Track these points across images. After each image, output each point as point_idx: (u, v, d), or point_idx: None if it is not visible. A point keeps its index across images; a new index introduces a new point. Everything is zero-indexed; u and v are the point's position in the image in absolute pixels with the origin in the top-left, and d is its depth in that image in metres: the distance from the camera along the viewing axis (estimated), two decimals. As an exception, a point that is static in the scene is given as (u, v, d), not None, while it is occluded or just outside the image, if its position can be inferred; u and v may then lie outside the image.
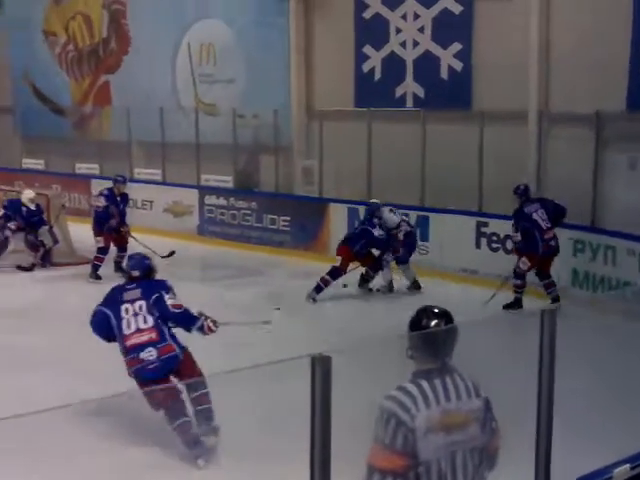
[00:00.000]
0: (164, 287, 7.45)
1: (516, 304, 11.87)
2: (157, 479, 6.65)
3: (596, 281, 12.22)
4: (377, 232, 12.87)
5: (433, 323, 3.70)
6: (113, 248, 14.66)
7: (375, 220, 13.06)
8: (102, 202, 14.58)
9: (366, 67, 16.04)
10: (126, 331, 7.17)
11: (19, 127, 23.14)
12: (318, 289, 12.73)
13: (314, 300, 12.72)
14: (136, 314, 7.21)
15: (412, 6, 15.34)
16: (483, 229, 13.56)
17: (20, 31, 23.12)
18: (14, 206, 14.98)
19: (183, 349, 7.22)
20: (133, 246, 13.93)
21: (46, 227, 14.99)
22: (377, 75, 15.93)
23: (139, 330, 7.15)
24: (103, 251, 14.47)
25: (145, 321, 7.19)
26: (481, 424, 3.64)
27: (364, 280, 13.32)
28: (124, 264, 8.45)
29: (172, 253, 14.89)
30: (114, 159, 19.93)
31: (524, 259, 11.92)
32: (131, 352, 7.13)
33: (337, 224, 15.50)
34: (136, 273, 7.58)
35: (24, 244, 15.16)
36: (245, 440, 6.95)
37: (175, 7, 19.43)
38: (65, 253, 15.69)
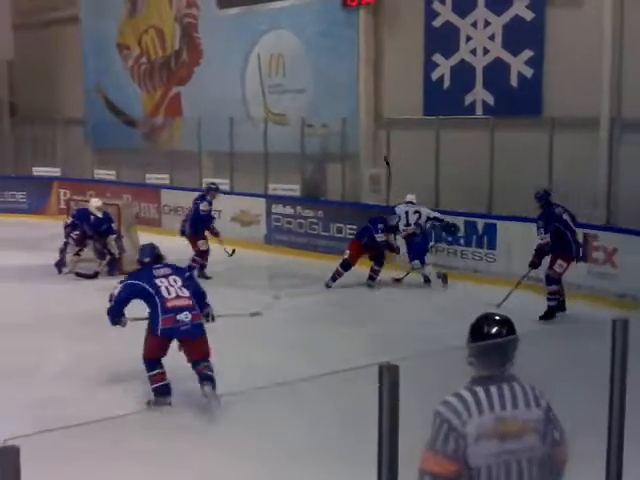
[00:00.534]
0: (191, 272, 9.05)
1: (551, 314, 11.49)
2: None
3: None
4: (379, 228, 14.06)
5: (494, 330, 3.65)
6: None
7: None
8: (207, 207, 15.02)
9: (435, 75, 15.97)
10: (167, 295, 8.08)
11: (91, 138, 23.56)
12: (333, 278, 14.12)
13: (328, 286, 14.10)
14: (171, 285, 8.17)
15: (483, 13, 15.24)
16: (552, 237, 13.29)
17: (93, 44, 23.58)
18: (82, 215, 15.15)
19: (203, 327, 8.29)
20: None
21: (114, 236, 15.06)
22: (446, 83, 15.84)
23: (178, 296, 8.13)
24: (205, 253, 14.93)
25: (182, 290, 8.19)
26: (541, 435, 3.55)
27: (371, 277, 14.28)
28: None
29: (233, 251, 15.26)
30: (184, 169, 20.21)
31: (560, 262, 11.56)
32: (170, 312, 8.04)
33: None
34: (147, 259, 8.53)
35: (93, 252, 15.31)
36: (314, 443, 6.83)
37: (246, 19, 19.65)
38: (134, 261, 15.75)
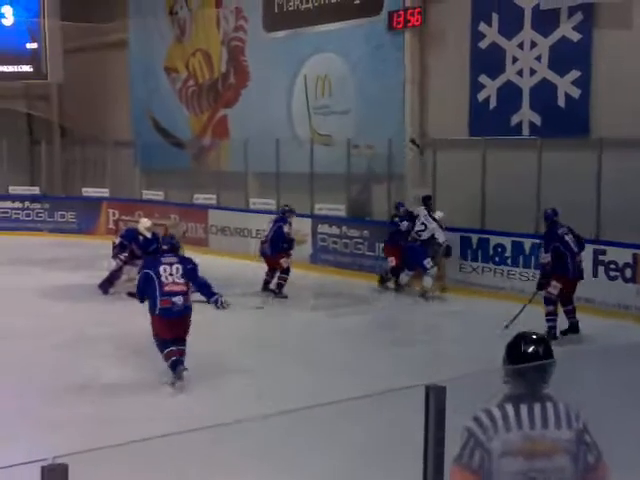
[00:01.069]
0: (195, 264, 10.06)
1: (551, 335, 11.14)
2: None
3: None
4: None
5: (530, 349, 3.69)
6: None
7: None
8: (289, 229, 15.37)
9: (481, 96, 16.00)
10: (165, 280, 9.56)
11: (139, 160, 23.85)
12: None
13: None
14: (172, 273, 9.63)
15: (529, 35, 15.26)
16: (601, 257, 13.23)
17: (141, 68, 23.94)
18: (130, 235, 15.24)
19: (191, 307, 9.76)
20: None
21: None
22: (492, 104, 15.86)
23: (175, 282, 9.60)
24: (287, 271, 15.23)
25: (179, 278, 9.63)
26: (572, 456, 3.55)
27: (383, 280, 15.59)
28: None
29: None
30: (230, 189, 20.39)
31: (554, 282, 11.56)
32: (166, 295, 9.52)
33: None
34: (165, 247, 10.25)
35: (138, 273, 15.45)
36: (358, 461, 6.86)
37: (292, 42, 19.85)
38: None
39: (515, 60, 15.52)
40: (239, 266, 18.45)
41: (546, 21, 14.93)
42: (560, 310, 11.69)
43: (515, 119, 15.46)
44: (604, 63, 14.21)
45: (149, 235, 15.07)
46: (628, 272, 12.78)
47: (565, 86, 14.71)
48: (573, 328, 11.54)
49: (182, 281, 9.65)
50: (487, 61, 15.92)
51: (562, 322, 11.71)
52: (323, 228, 17.99)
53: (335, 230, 17.72)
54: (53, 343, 11.71)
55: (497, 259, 14.75)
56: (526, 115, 15.30)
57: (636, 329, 11.80)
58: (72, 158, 25.47)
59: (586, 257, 12.38)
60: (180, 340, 9.61)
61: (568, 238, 11.55)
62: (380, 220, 17.31)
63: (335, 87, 18.92)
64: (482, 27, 15.94)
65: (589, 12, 14.29)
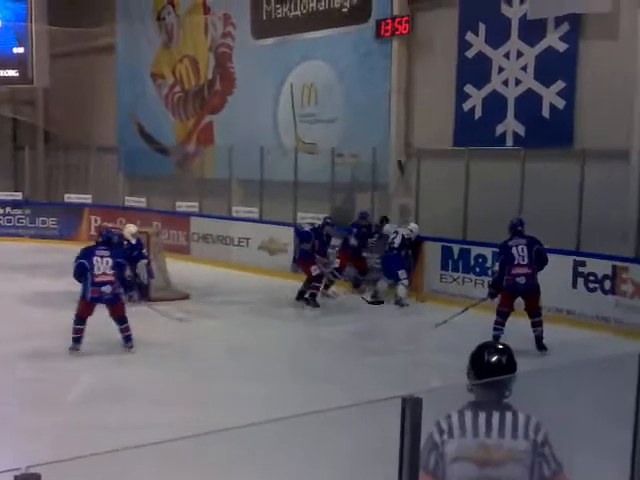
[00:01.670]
0: (125, 259, 11.86)
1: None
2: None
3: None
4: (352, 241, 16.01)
5: (494, 359, 3.73)
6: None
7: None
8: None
9: (467, 106, 15.91)
10: (96, 272, 10.97)
11: (123, 166, 23.73)
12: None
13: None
14: (103, 265, 11.01)
15: (515, 44, 15.19)
16: (580, 268, 13.13)
17: (128, 73, 23.87)
18: None
19: (121, 295, 11.28)
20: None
21: (145, 261, 14.98)
22: (477, 114, 15.78)
23: (105, 273, 11.01)
24: (318, 279, 15.25)
25: (109, 269, 11.03)
26: (526, 467, 3.55)
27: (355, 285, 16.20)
28: None
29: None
30: (214, 197, 20.28)
31: (491, 291, 11.92)
32: (97, 285, 10.98)
33: (431, 262, 15.29)
34: (100, 239, 11.73)
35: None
36: (342, 468, 6.77)
37: (279, 49, 19.80)
38: (162, 288, 15.73)
39: (501, 70, 15.43)
40: (220, 274, 18.41)
41: (533, 31, 14.85)
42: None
43: (500, 129, 15.37)
44: (589, 74, 14.13)
45: (134, 241, 14.96)
46: (607, 284, 12.69)
47: (550, 97, 14.62)
48: (537, 342, 11.39)
49: (111, 272, 11.06)
50: (473, 71, 15.84)
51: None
52: (306, 237, 17.80)
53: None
54: (33, 349, 11.57)
55: (478, 270, 14.65)
56: (510, 125, 15.21)
57: (615, 341, 11.69)
58: (55, 164, 25.40)
59: (565, 268, 12.30)
60: (118, 320, 11.27)
61: (515, 250, 11.43)
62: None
63: (321, 95, 18.84)
64: (469, 36, 15.87)
65: (576, 23, 14.22)
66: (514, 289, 11.47)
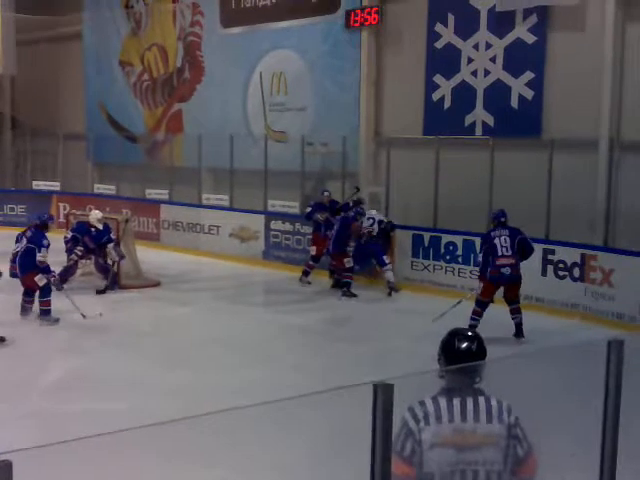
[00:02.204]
0: (40, 244, 12.22)
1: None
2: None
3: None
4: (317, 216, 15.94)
5: (464, 345, 3.80)
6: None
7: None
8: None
9: (436, 96, 16.07)
10: (14, 250, 12.43)
11: (92, 153, 23.64)
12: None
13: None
14: (20, 245, 12.34)
15: (484, 36, 15.36)
16: (550, 257, 13.33)
17: (95, 61, 23.75)
18: (82, 228, 15.10)
19: (28, 272, 12.22)
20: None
21: (112, 244, 14.96)
22: (447, 104, 15.93)
23: (17, 252, 12.34)
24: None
25: (20, 250, 12.30)
26: (501, 449, 3.65)
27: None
28: None
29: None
30: (184, 184, 20.29)
31: (479, 283, 11.77)
32: (13, 262, 12.37)
33: (402, 250, 15.46)
34: (32, 222, 13.00)
35: (94, 268, 15.32)
36: (304, 462, 6.85)
37: (249, 38, 19.79)
38: (133, 276, 15.77)
39: (470, 61, 15.59)
40: (191, 261, 18.42)
41: (501, 23, 15.03)
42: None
43: (469, 119, 15.54)
44: (558, 65, 14.33)
45: (100, 226, 14.99)
46: (576, 271, 12.89)
47: (519, 87, 14.82)
48: (516, 329, 11.51)
49: (19, 252, 12.29)
50: (442, 61, 15.98)
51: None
52: (276, 225, 17.93)
53: (288, 227, 17.67)
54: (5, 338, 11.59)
55: (448, 257, 14.83)
56: (480, 115, 15.39)
57: (584, 327, 11.92)
58: (23, 150, 25.18)
59: (535, 256, 12.45)
60: (27, 292, 12.55)
61: (497, 241, 11.48)
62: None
63: (291, 84, 18.89)
64: (438, 27, 16.01)
65: (544, 14, 14.41)
66: (499, 280, 11.51)
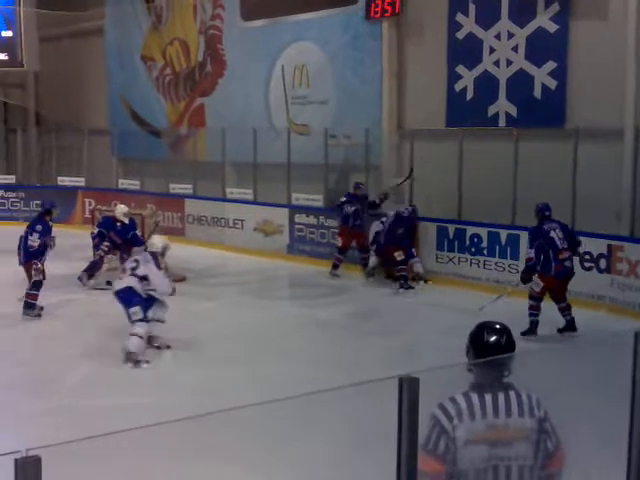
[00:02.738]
0: (33, 228, 12.72)
1: (531, 330, 11.14)
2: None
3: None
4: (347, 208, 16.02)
5: (493, 339, 3.78)
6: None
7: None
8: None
9: (458, 87, 15.99)
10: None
11: (115, 149, 23.73)
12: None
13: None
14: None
15: (506, 25, 15.24)
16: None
17: (118, 56, 23.81)
18: (108, 223, 15.15)
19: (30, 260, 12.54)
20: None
21: (141, 247, 15.02)
22: (469, 94, 15.85)
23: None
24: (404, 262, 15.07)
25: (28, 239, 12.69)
26: (533, 443, 3.65)
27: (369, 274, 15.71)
28: None
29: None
30: (207, 179, 20.35)
31: (537, 279, 11.32)
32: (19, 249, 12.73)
33: (427, 242, 15.44)
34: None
35: (119, 262, 15.36)
36: (331, 457, 6.86)
37: (270, 31, 19.77)
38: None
39: (492, 51, 15.49)
40: (215, 256, 18.47)
41: (523, 12, 14.92)
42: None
43: (492, 110, 15.44)
44: (580, 54, 14.19)
45: (126, 221, 15.04)
46: (602, 263, 12.81)
47: (542, 77, 14.71)
48: (569, 326, 11.27)
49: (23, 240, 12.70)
50: (464, 51, 15.88)
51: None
52: (300, 218, 17.95)
53: (312, 220, 17.68)
54: (32, 334, 11.71)
55: (473, 249, 14.79)
56: (502, 106, 15.29)
57: (610, 319, 11.86)
58: (48, 146, 25.34)
59: (601, 248, 12.33)
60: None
61: (554, 234, 11.23)
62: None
63: (313, 77, 18.86)
64: (459, 17, 15.91)
65: (566, 3, 14.28)
66: (563, 274, 11.29)
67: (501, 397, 3.64)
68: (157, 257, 10.76)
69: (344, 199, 16.08)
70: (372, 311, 13.51)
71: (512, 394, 3.66)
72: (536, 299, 11.34)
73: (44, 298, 12.87)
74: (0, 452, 2.44)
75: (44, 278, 12.65)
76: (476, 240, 14.74)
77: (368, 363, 9.79)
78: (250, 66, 20.23)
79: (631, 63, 13.39)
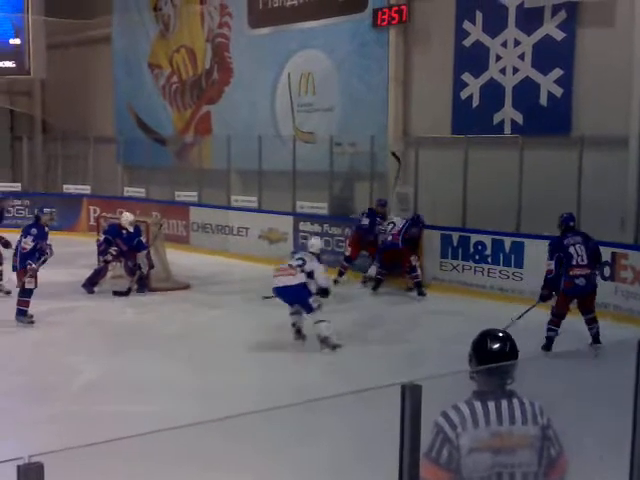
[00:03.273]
0: (27, 231, 12.57)
1: (545, 346, 10.73)
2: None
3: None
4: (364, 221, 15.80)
5: (496, 346, 3.75)
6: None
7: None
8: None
9: (464, 94, 15.96)
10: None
11: (121, 156, 23.75)
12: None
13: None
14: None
15: (513, 33, 15.22)
16: (580, 255, 13.17)
17: (125, 63, 23.85)
18: (114, 231, 15.18)
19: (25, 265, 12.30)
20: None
21: (145, 252, 15.05)
22: (475, 102, 15.82)
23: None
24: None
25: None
26: (536, 451, 3.62)
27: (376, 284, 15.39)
28: None
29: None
30: (212, 187, 20.35)
31: (555, 296, 10.98)
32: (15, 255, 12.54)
33: (431, 250, 15.37)
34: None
35: (123, 269, 15.35)
36: (333, 465, 6.79)
37: (276, 39, 19.77)
38: (162, 278, 15.79)
39: (498, 58, 15.47)
40: (220, 263, 18.43)
41: (530, 19, 14.90)
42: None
43: (497, 117, 15.41)
44: (587, 61, 14.17)
45: (132, 229, 15.04)
46: (607, 270, 12.71)
47: (548, 85, 14.67)
48: (593, 339, 10.87)
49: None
50: (471, 59, 15.87)
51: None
52: (305, 226, 17.89)
53: (317, 228, 17.61)
54: (35, 340, 11.68)
55: (477, 257, 14.73)
56: (508, 113, 15.25)
57: (614, 327, 11.76)
58: (54, 154, 25.37)
59: (606, 256, 12.18)
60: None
61: (573, 250, 10.74)
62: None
63: (319, 84, 18.85)
64: (466, 25, 15.90)
65: (573, 10, 14.26)
66: (572, 292, 10.87)
67: (504, 405, 3.61)
68: (319, 257, 11.73)
69: (367, 212, 16.05)
70: (376, 319, 13.43)
71: (515, 401, 3.63)
72: (556, 315, 10.92)
73: (45, 306, 12.85)
74: (2, 459, 2.46)
75: (36, 286, 12.51)
76: (480, 248, 14.68)
77: (371, 371, 9.76)
78: (257, 74, 20.23)
79: (637, 71, 13.38)
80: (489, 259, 14.55)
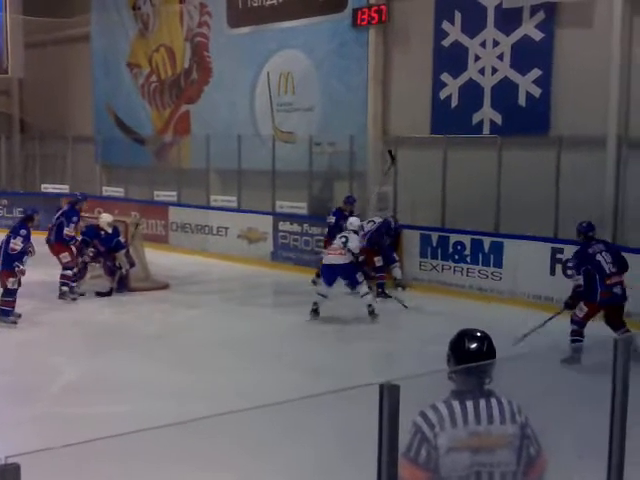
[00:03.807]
0: (16, 232, 12.40)
1: (572, 358, 10.00)
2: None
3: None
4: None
5: (474, 346, 3.75)
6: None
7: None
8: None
9: (443, 94, 15.98)
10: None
11: (100, 156, 23.66)
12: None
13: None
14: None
15: (492, 33, 15.26)
16: (558, 255, 13.24)
17: (104, 62, 23.76)
18: (92, 232, 15.04)
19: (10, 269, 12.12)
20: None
21: (123, 250, 14.99)
22: (454, 102, 15.85)
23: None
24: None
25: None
26: (515, 450, 3.63)
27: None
28: None
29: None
30: (192, 186, 20.29)
31: (582, 305, 10.53)
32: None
33: (410, 250, 15.39)
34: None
35: (102, 270, 15.27)
36: (311, 463, 6.79)
37: (256, 38, 19.73)
38: (142, 278, 15.73)
39: (477, 58, 15.50)
40: (199, 263, 18.40)
41: (508, 20, 14.93)
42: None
43: (476, 117, 15.44)
44: (565, 62, 14.23)
45: (110, 230, 14.94)
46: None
47: (526, 85, 14.72)
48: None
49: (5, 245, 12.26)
50: (450, 59, 15.89)
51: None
52: (284, 226, 17.88)
53: (296, 228, 17.62)
54: (15, 341, 11.64)
55: (457, 257, 14.76)
56: (487, 114, 15.29)
57: (591, 326, 11.76)
58: (32, 153, 25.24)
59: (543, 255, 12.27)
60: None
61: (600, 258, 10.41)
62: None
63: (298, 84, 18.82)
64: (445, 25, 15.92)
65: (551, 11, 14.31)
66: (612, 301, 10.49)
67: (482, 404, 3.61)
68: (357, 232, 13.12)
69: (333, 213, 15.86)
70: (355, 318, 13.42)
71: (493, 401, 3.63)
72: (578, 324, 10.58)
73: (28, 306, 12.79)
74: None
75: (19, 285, 12.44)
76: (459, 247, 14.72)
77: (351, 370, 9.76)
78: (236, 73, 20.18)
79: (615, 72, 13.43)
80: (468, 259, 14.59)
